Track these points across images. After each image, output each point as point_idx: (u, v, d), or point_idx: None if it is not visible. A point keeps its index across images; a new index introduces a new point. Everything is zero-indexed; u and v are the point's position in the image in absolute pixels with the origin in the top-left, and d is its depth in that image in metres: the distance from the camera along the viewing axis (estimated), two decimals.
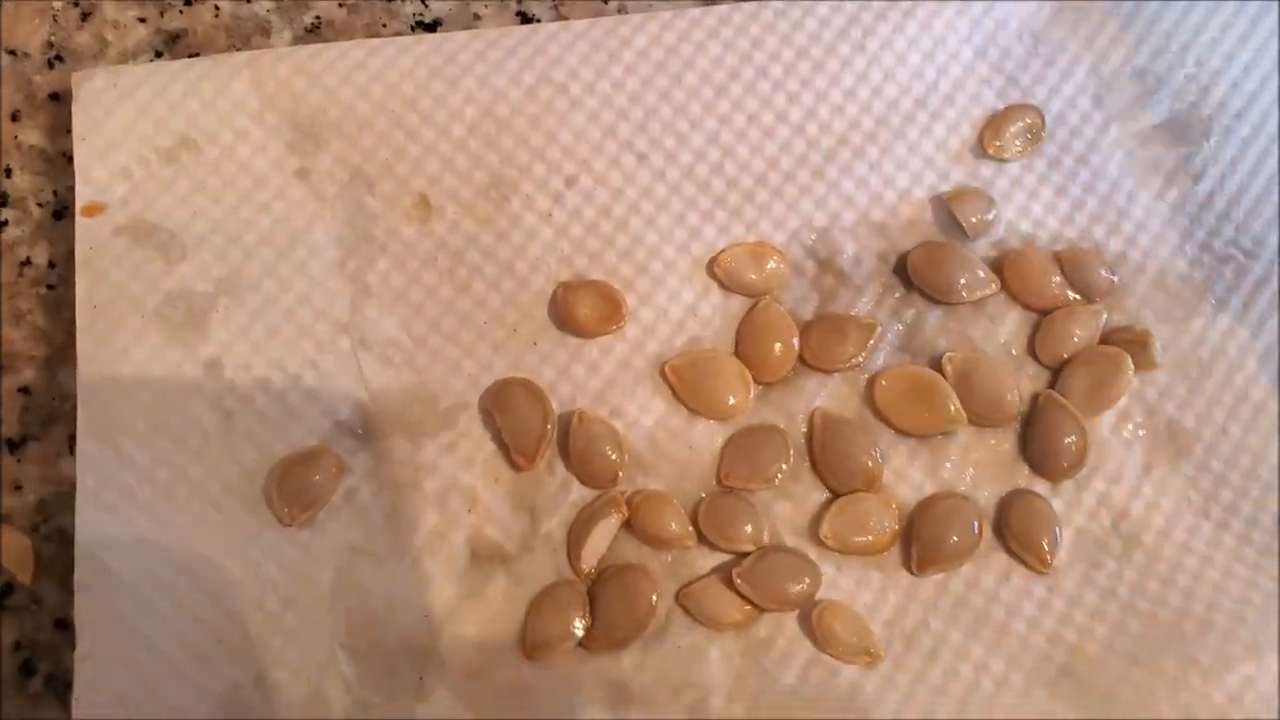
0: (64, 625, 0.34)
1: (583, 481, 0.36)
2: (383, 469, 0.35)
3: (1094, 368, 0.38)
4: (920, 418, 0.37)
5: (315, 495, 0.34)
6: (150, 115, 0.37)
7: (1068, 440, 0.37)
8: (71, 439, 0.35)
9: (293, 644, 0.33)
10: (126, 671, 0.32)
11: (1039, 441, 0.37)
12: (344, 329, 0.36)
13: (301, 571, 0.34)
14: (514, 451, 0.36)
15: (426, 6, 0.40)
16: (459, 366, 0.36)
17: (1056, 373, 0.38)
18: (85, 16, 0.39)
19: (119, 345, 0.35)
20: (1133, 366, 0.38)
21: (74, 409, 0.35)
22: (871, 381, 0.37)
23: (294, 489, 0.34)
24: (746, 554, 0.36)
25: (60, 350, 0.36)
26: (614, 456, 0.36)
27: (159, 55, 0.39)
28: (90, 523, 0.33)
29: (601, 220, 0.38)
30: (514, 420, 0.36)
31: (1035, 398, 0.37)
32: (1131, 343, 0.38)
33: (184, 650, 0.33)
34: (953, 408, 0.37)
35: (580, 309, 0.37)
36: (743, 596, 0.35)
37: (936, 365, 0.38)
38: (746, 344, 0.38)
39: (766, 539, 0.36)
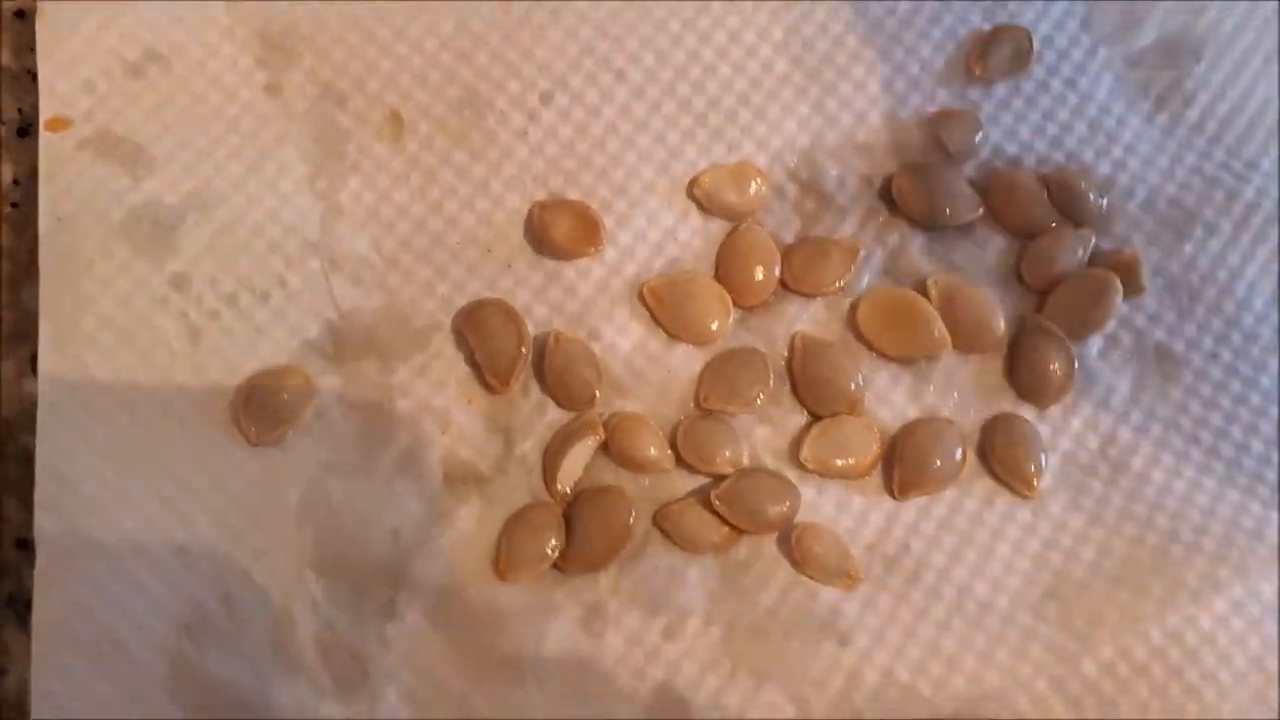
0: (26, 545, 0.33)
1: (559, 404, 0.35)
2: (353, 389, 0.34)
3: (1081, 291, 0.37)
4: (903, 341, 0.37)
5: (283, 414, 0.34)
6: (116, 28, 0.36)
7: (1054, 365, 0.36)
8: (36, 359, 0.34)
9: (259, 561, 0.33)
10: (87, 587, 0.32)
11: (1025, 366, 0.36)
12: (314, 247, 0.35)
13: (269, 489, 0.33)
14: (488, 373, 0.35)
15: None
16: (431, 287, 0.36)
17: (1043, 297, 0.37)
18: None
19: (83, 259, 0.34)
20: (1121, 290, 0.37)
21: (38, 328, 0.34)
22: (854, 305, 0.37)
23: (262, 407, 0.34)
24: (725, 477, 0.35)
25: (24, 269, 0.36)
26: (591, 378, 0.35)
27: None
28: (52, 437, 0.33)
29: (578, 139, 0.37)
30: (488, 342, 0.35)
31: (1021, 321, 0.37)
32: (1119, 267, 0.37)
33: (147, 566, 0.32)
34: (936, 331, 0.36)
35: (556, 230, 0.36)
36: (721, 518, 0.34)
37: (921, 289, 0.37)
38: (727, 267, 0.37)
39: (746, 462, 0.35)
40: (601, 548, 0.34)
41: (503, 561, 0.33)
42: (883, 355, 0.36)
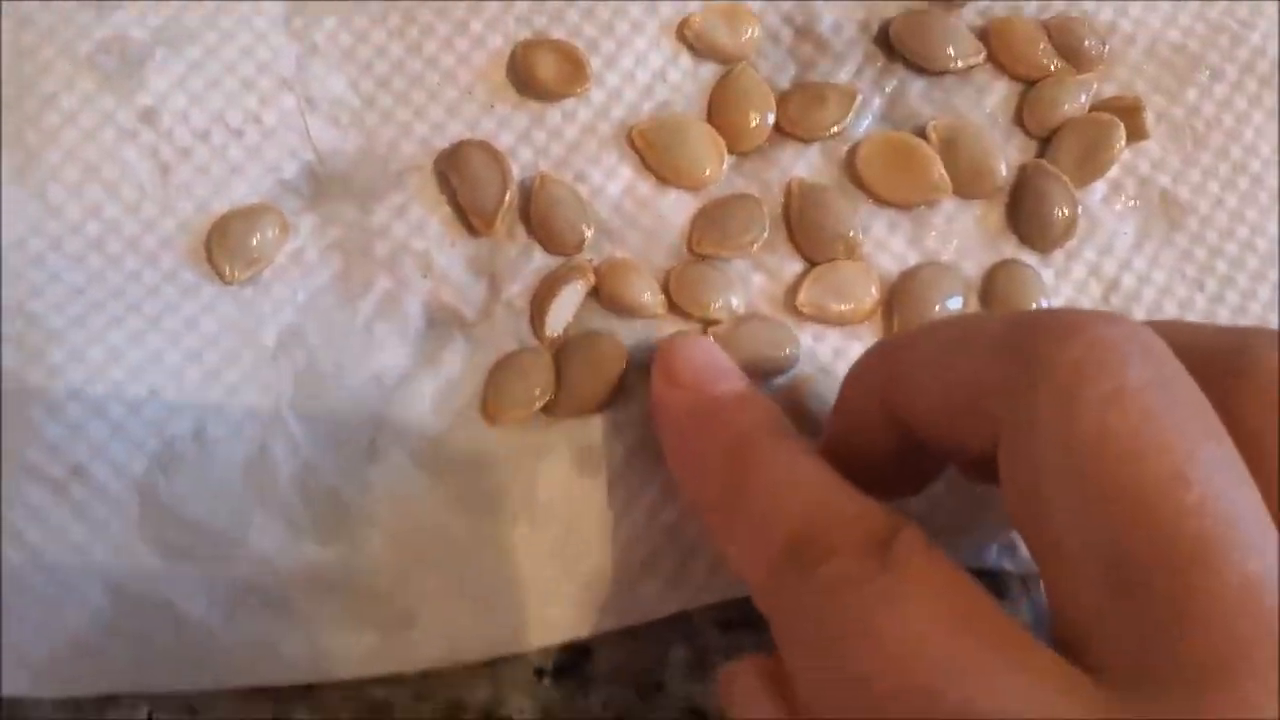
0: None
1: (546, 248, 0.34)
2: (330, 231, 0.33)
3: (1084, 135, 0.36)
4: (903, 186, 0.35)
5: (258, 253, 0.32)
6: None
7: (1057, 209, 0.35)
8: None
9: (234, 399, 0.31)
10: (53, 422, 0.30)
11: (1026, 210, 0.35)
12: (289, 86, 0.34)
13: (243, 328, 0.32)
14: (471, 214, 0.33)
15: None
16: (410, 129, 0.34)
17: (1044, 144, 0.36)
18: None
19: (47, 91, 0.33)
20: (1124, 135, 0.35)
21: None
22: (852, 149, 0.35)
23: (236, 245, 0.32)
24: (718, 323, 0.33)
25: None
26: (579, 221, 0.34)
27: None
28: (16, 274, 0.31)
29: None
30: (470, 182, 0.34)
31: (1023, 167, 0.35)
32: (1123, 112, 0.36)
33: (116, 401, 0.31)
34: (937, 175, 0.35)
35: (541, 69, 0.35)
36: None
37: (920, 135, 0.36)
38: (720, 111, 0.36)
39: (741, 308, 0.34)
40: (593, 394, 0.33)
41: (491, 405, 0.32)
42: (881, 201, 0.35)
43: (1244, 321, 0.35)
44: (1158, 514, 0.21)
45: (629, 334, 0.33)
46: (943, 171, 0.35)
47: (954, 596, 0.23)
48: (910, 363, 0.27)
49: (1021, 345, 0.23)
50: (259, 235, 0.32)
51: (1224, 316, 0.35)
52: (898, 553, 0.24)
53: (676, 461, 0.30)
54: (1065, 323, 0.23)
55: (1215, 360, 0.24)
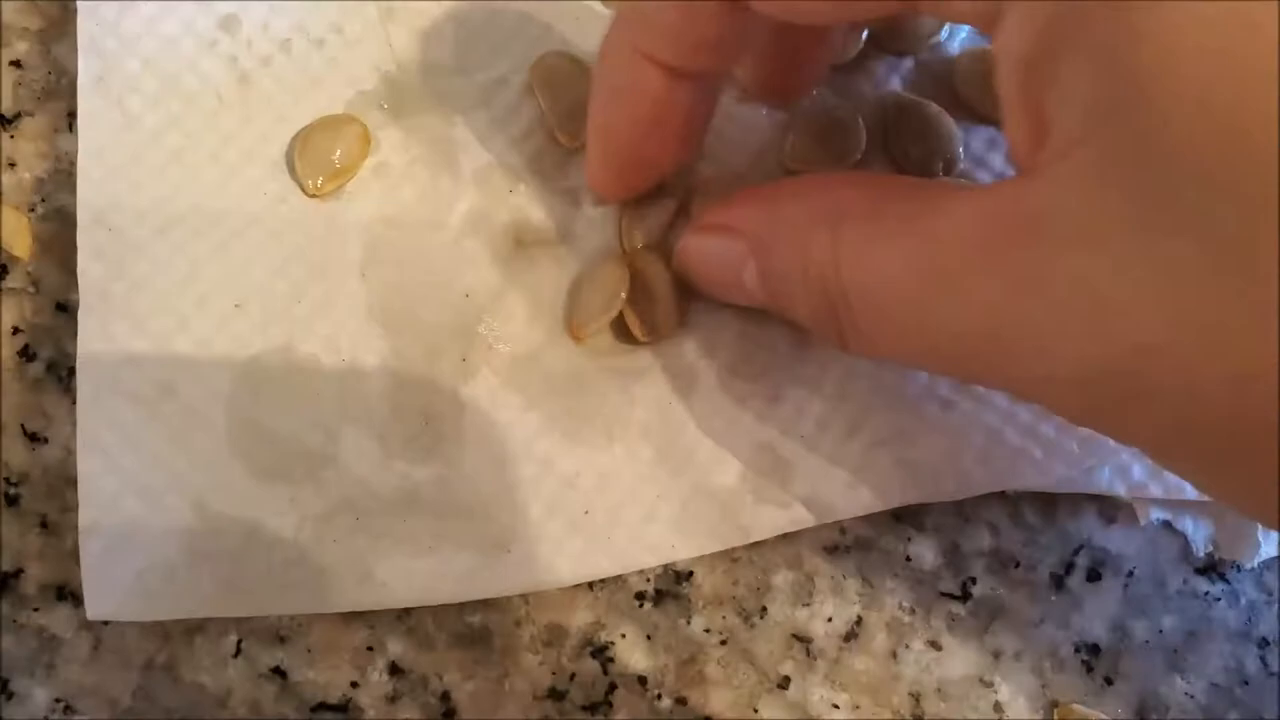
0: (65, 308, 0.30)
1: None
2: (414, 144, 0.32)
3: None
4: None
5: (342, 165, 0.31)
6: None
7: None
8: (71, 116, 0.32)
9: (322, 314, 0.30)
10: (137, 333, 0.29)
11: None
12: None
13: (329, 241, 0.31)
14: (558, 128, 0.32)
15: None
16: (496, 40, 0.33)
17: None
18: None
19: None
20: None
21: (73, 86, 0.31)
22: (950, 64, 0.34)
23: (318, 157, 0.31)
24: None
25: (57, 24, 0.33)
26: None
27: None
28: (95, 185, 0.30)
29: None
30: (558, 95, 0.32)
31: None
32: None
33: (199, 312, 0.30)
34: None
35: None
36: None
37: None
38: None
39: None
40: (673, 306, 0.31)
41: (573, 321, 0.30)
42: (979, 118, 0.34)
43: None
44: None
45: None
46: None
47: None
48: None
49: None
50: (340, 148, 0.31)
51: None
52: None
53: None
54: None
55: None
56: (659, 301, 0.31)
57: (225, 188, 0.31)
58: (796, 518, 0.30)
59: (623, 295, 0.31)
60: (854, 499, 0.30)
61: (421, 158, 0.32)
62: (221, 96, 0.31)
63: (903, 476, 0.31)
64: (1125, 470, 0.32)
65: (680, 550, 0.30)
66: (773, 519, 0.30)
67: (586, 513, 0.30)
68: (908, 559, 0.31)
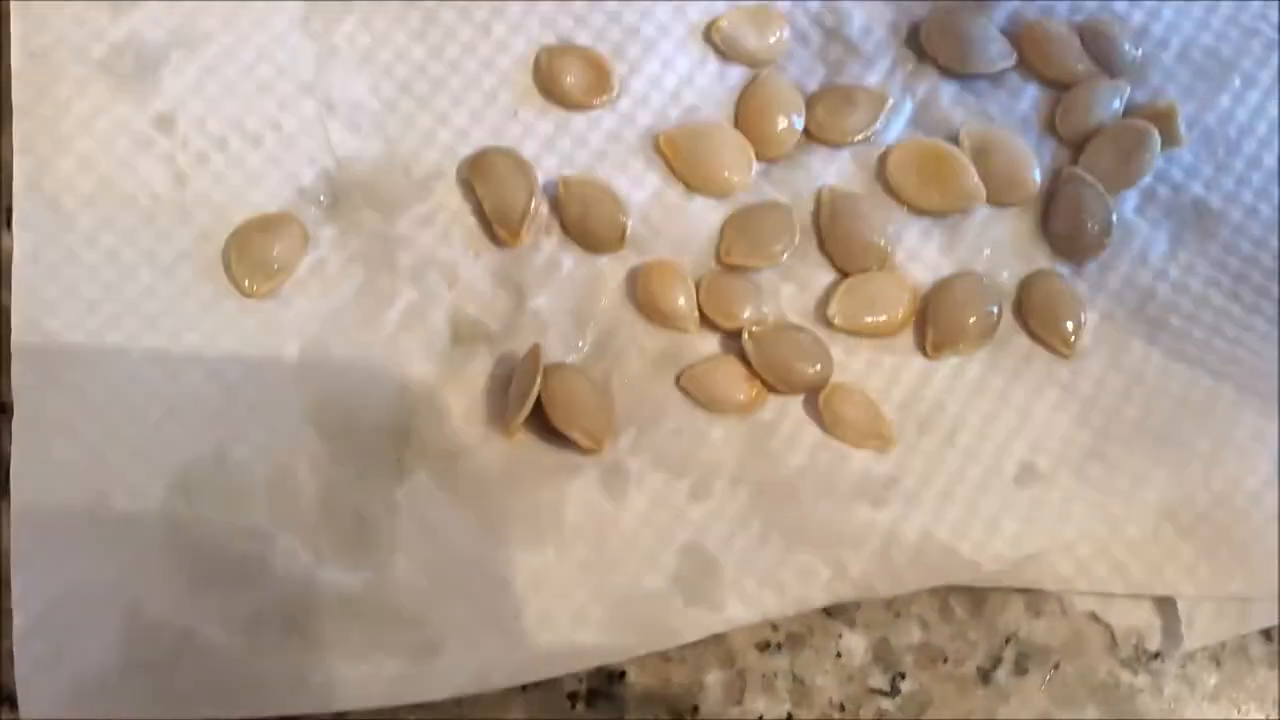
0: (3, 408, 0.30)
1: (586, 249, 0.33)
2: (351, 241, 0.32)
3: (1117, 143, 0.35)
4: (936, 194, 0.35)
5: (279, 264, 0.31)
6: None
7: (1091, 218, 0.34)
8: (9, 213, 0.31)
9: (256, 418, 0.30)
10: (71, 445, 0.29)
11: (1061, 219, 0.35)
12: (308, 90, 0.33)
13: (264, 344, 0.31)
14: (497, 225, 0.33)
15: None
16: (433, 135, 0.33)
17: (1077, 149, 0.35)
18: None
19: (60, 97, 0.32)
20: (1158, 141, 0.35)
21: (9, 176, 0.31)
22: (883, 156, 0.34)
23: (256, 257, 0.31)
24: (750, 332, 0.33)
25: None
26: (617, 214, 0.33)
27: None
28: (29, 285, 0.30)
29: None
30: (496, 190, 0.33)
31: (1057, 173, 0.35)
32: (1156, 118, 0.35)
33: (135, 422, 0.30)
34: (970, 183, 0.34)
35: (565, 77, 0.34)
36: (750, 371, 0.32)
37: (953, 140, 0.35)
38: (748, 117, 0.35)
39: (771, 319, 0.33)
40: (607, 414, 0.32)
41: (510, 418, 0.31)
42: (913, 209, 0.34)
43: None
44: None
45: (654, 343, 0.32)
46: (976, 179, 0.34)
47: None
48: None
49: None
50: (278, 246, 0.31)
51: (1260, 327, 0.34)
52: None
53: None
54: None
55: None
56: (586, 406, 0.31)
57: (160, 290, 0.31)
58: (728, 618, 0.31)
59: (537, 386, 0.30)
60: (784, 598, 0.31)
61: (359, 254, 0.32)
62: (157, 196, 0.31)
63: (833, 575, 0.31)
64: (1053, 565, 0.32)
65: (610, 654, 0.30)
66: (703, 620, 0.31)
67: (516, 616, 0.30)
68: (838, 655, 0.32)
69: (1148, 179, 0.36)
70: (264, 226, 0.31)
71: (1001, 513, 0.32)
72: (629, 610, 0.30)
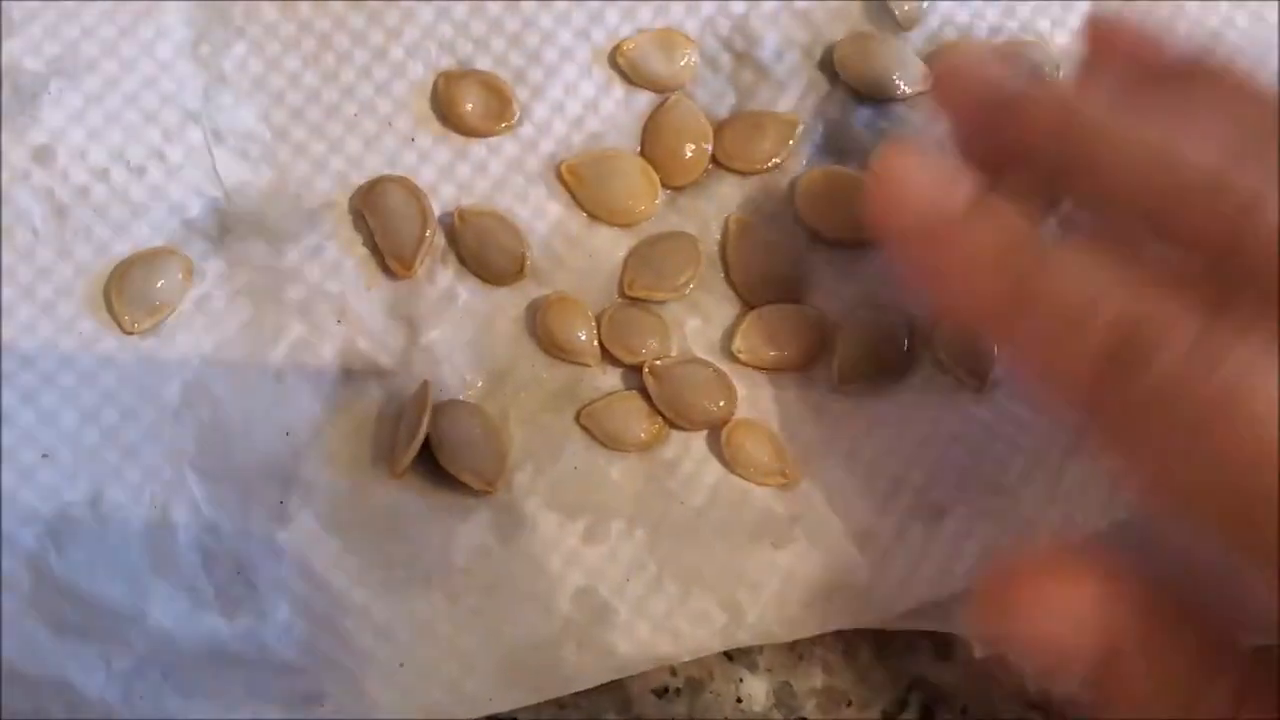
0: None
1: (486, 281, 0.33)
2: (238, 274, 0.31)
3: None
4: (846, 224, 0.33)
5: (161, 300, 0.31)
6: None
7: None
8: None
9: (133, 460, 0.29)
10: None
11: None
12: (195, 118, 0.32)
13: (144, 382, 0.30)
14: (389, 257, 0.32)
15: None
16: (325, 163, 0.32)
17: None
18: None
19: None
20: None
21: None
22: (792, 185, 0.33)
23: (137, 292, 0.30)
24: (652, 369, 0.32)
25: None
26: (516, 245, 0.32)
27: None
28: None
29: (488, 0, 0.33)
30: (389, 222, 0.32)
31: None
32: None
33: (5, 465, 0.29)
34: None
35: (464, 105, 0.33)
36: (651, 407, 0.31)
37: (865, 167, 0.34)
38: (654, 144, 0.34)
39: (675, 353, 0.32)
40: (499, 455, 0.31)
41: (397, 458, 0.30)
42: (823, 239, 0.33)
43: None
44: None
45: (553, 378, 0.31)
46: None
47: None
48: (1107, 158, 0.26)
49: None
50: (161, 280, 0.31)
51: None
52: (1233, 327, 0.23)
53: (930, 279, 0.28)
54: None
55: None
56: (478, 446, 0.30)
57: (37, 327, 0.30)
58: (621, 665, 0.30)
59: (425, 425, 0.30)
60: (680, 644, 0.30)
61: (246, 288, 0.31)
62: (37, 230, 0.30)
63: (729, 620, 0.30)
64: (960, 605, 0.31)
65: (499, 702, 0.30)
66: (596, 668, 0.30)
67: (402, 665, 0.29)
68: (739, 700, 0.31)
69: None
70: (146, 261, 0.31)
71: (905, 552, 0.31)
72: (520, 658, 0.30)
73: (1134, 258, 0.25)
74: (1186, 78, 0.27)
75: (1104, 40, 0.28)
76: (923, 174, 0.28)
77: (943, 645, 0.32)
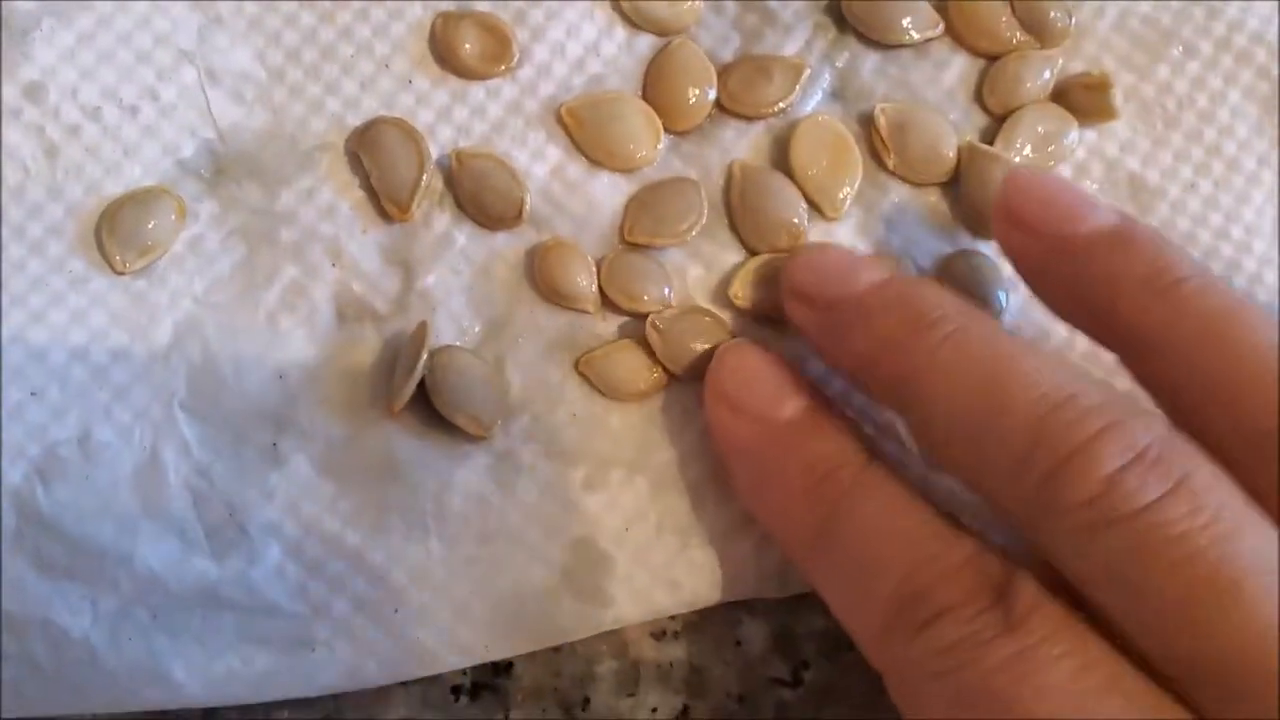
0: None
1: (482, 225, 0.32)
2: (232, 216, 0.31)
3: (1043, 119, 0.34)
4: (839, 178, 0.33)
5: (153, 240, 0.30)
6: None
7: None
8: None
9: (122, 401, 0.29)
10: None
11: (971, 196, 0.33)
12: (189, 58, 0.31)
13: (134, 322, 0.29)
14: (385, 199, 0.31)
15: None
16: (321, 105, 0.32)
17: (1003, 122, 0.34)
18: None
19: None
20: (1076, 128, 0.33)
21: None
22: (784, 138, 0.33)
23: (129, 232, 0.30)
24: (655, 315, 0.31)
25: None
26: (513, 188, 0.32)
27: None
28: None
29: None
30: (385, 164, 0.31)
31: (961, 149, 0.33)
32: (1089, 90, 0.34)
33: None
34: (857, 167, 0.33)
35: (463, 46, 0.32)
36: (652, 357, 0.30)
37: (870, 115, 0.33)
38: (656, 87, 0.33)
39: (675, 301, 0.31)
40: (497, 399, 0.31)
41: (394, 397, 0.29)
42: (807, 192, 0.33)
43: None
44: None
45: (552, 326, 0.31)
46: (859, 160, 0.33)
47: (1086, 655, 0.22)
48: (930, 398, 0.25)
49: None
50: (154, 221, 0.30)
51: None
52: (1018, 609, 0.22)
53: (751, 497, 0.28)
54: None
55: None
56: (475, 391, 0.30)
57: (27, 266, 0.29)
58: (618, 615, 0.30)
59: (421, 366, 0.29)
60: (677, 596, 0.30)
61: (240, 230, 0.30)
62: (28, 169, 0.30)
63: (728, 573, 0.30)
64: None
65: (493, 651, 0.29)
66: (592, 617, 0.29)
67: (396, 610, 0.29)
68: (738, 643, 0.30)
69: (1080, 153, 0.34)
70: (138, 200, 0.30)
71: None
72: (515, 606, 0.29)
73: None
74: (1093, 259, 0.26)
75: (1018, 206, 0.27)
76: (758, 379, 0.28)
77: None
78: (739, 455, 0.28)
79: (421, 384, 0.30)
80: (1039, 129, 0.33)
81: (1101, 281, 0.26)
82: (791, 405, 0.27)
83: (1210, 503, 0.22)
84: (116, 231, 0.30)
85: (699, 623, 0.30)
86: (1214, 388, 0.24)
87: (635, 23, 0.33)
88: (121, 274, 0.30)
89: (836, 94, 0.34)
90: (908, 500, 0.26)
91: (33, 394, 0.29)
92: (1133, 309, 0.25)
